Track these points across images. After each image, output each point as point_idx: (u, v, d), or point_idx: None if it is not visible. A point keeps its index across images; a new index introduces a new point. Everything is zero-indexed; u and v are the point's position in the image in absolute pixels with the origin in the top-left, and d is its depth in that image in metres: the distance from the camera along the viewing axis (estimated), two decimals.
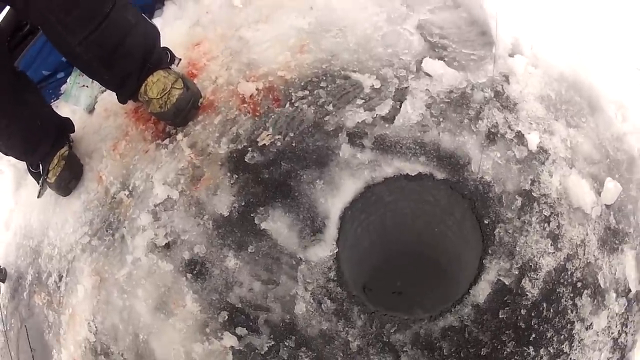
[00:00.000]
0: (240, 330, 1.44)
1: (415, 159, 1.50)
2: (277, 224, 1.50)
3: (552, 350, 1.40)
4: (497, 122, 1.53)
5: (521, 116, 1.55)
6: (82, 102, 2.06)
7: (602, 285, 1.45)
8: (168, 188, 1.68)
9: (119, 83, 1.77)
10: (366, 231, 1.53)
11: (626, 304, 1.45)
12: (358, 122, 1.58)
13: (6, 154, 1.90)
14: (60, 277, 1.81)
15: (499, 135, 1.52)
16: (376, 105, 1.59)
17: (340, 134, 1.58)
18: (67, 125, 1.97)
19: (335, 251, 1.44)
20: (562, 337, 1.40)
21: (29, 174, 1.98)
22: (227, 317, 1.47)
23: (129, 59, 1.72)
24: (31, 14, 1.57)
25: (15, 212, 2.11)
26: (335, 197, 1.49)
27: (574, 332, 1.41)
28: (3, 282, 2.00)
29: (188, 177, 1.68)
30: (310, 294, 1.42)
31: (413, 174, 1.48)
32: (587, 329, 1.42)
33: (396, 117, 1.56)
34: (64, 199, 1.91)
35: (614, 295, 1.44)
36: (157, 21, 2.06)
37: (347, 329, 1.39)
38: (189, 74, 1.89)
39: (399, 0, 1.82)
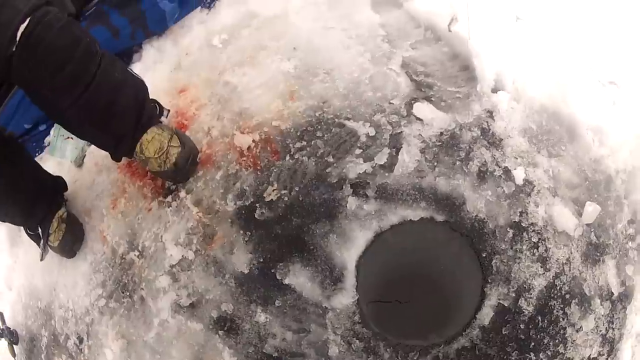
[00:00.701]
0: None
1: (416, 205, 1.64)
2: (299, 278, 1.62)
3: (549, 353, 1.63)
4: (485, 161, 1.67)
5: (507, 152, 1.68)
6: (68, 155, 1.97)
7: (587, 294, 1.66)
8: (182, 248, 1.72)
9: (114, 145, 1.71)
10: (377, 275, 1.69)
11: (610, 306, 1.69)
12: (359, 172, 1.67)
13: (4, 221, 1.83)
14: (81, 340, 1.84)
15: (488, 174, 1.67)
16: (374, 155, 1.68)
17: (344, 186, 1.67)
18: (59, 184, 1.89)
19: (356, 297, 1.60)
20: (557, 341, 1.64)
21: (26, 236, 1.91)
22: None
23: (122, 119, 1.65)
24: (14, 78, 1.44)
25: (15, 272, 2.04)
26: (350, 249, 1.62)
27: (566, 335, 1.64)
28: (16, 344, 1.98)
29: (200, 237, 1.73)
30: (340, 337, 1.58)
31: (416, 219, 1.63)
32: (577, 331, 1.65)
33: (395, 166, 1.67)
34: (68, 260, 1.89)
35: (599, 300, 1.67)
36: (136, 66, 1.96)
37: None
38: (179, 125, 1.86)
39: (380, 37, 1.87)
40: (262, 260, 1.66)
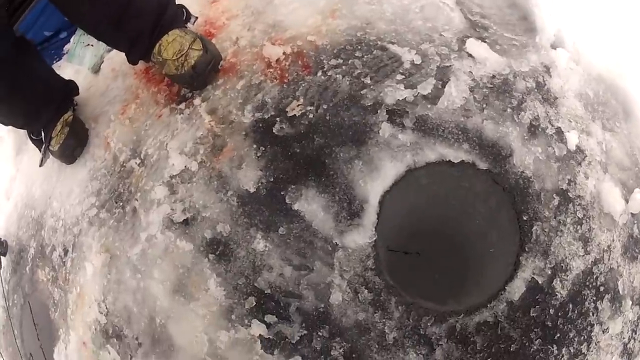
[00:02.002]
0: (270, 318, 1.29)
1: (458, 146, 1.33)
2: (311, 205, 1.33)
3: (572, 350, 1.35)
4: (538, 115, 1.39)
5: (561, 112, 1.42)
6: (86, 61, 1.81)
7: (620, 292, 1.40)
8: (185, 158, 1.48)
9: (130, 43, 1.53)
10: (403, 217, 1.38)
11: (639, 312, 1.40)
12: (398, 99, 1.39)
13: (6, 124, 1.68)
14: (66, 252, 1.63)
15: (540, 130, 1.38)
16: (418, 83, 1.40)
17: (379, 110, 1.39)
18: (70, 87, 1.73)
19: (374, 238, 1.29)
20: (582, 338, 1.35)
21: (32, 144, 1.75)
22: (254, 303, 1.31)
23: (141, 17, 1.49)
24: None
25: (16, 181, 1.89)
26: (375, 180, 1.32)
27: (592, 334, 1.36)
28: (4, 255, 1.80)
29: (208, 147, 1.48)
30: (347, 282, 1.27)
31: (456, 161, 1.32)
32: (603, 332, 1.38)
33: (440, 98, 1.37)
34: (68, 166, 1.70)
35: (630, 302, 1.40)
36: None
37: (384, 320, 1.25)
38: (206, 33, 1.64)
39: None
40: (272, 179, 1.38)
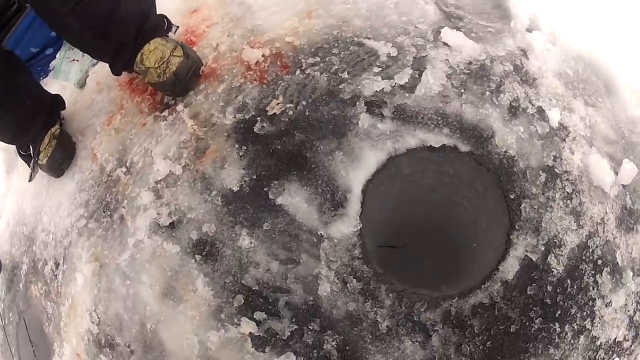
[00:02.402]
0: (259, 315, 1.27)
1: (438, 131, 1.33)
2: (295, 199, 1.32)
3: (575, 327, 1.31)
4: (518, 96, 1.39)
5: (541, 92, 1.42)
6: (72, 77, 1.84)
7: (619, 264, 1.37)
8: (170, 163, 1.48)
9: (113, 54, 1.55)
10: (387, 205, 1.37)
11: None
12: (376, 90, 1.40)
13: None
14: (57, 265, 1.62)
15: (520, 110, 1.38)
16: (394, 74, 1.41)
17: (357, 103, 1.39)
18: (57, 102, 1.75)
19: (359, 227, 1.28)
20: (585, 313, 1.32)
21: (19, 158, 1.77)
22: (243, 301, 1.29)
23: (124, 27, 1.51)
24: None
25: (7, 199, 1.89)
26: (357, 170, 1.31)
27: (595, 308, 1.33)
28: None
29: (191, 150, 1.48)
30: (335, 273, 1.25)
31: (437, 146, 1.32)
32: (606, 306, 1.34)
33: (417, 86, 1.38)
34: (56, 180, 1.70)
35: (631, 273, 1.36)
36: None
37: (375, 309, 1.23)
38: (187, 41, 1.66)
39: None
40: (255, 177, 1.38)
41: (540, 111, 1.41)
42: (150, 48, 1.54)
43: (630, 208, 1.42)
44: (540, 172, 1.34)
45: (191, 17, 1.74)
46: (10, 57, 1.64)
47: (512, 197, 1.31)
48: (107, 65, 1.63)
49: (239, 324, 1.28)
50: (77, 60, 1.84)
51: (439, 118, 1.37)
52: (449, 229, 1.37)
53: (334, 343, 1.24)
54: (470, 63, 1.45)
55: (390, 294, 1.23)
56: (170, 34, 1.65)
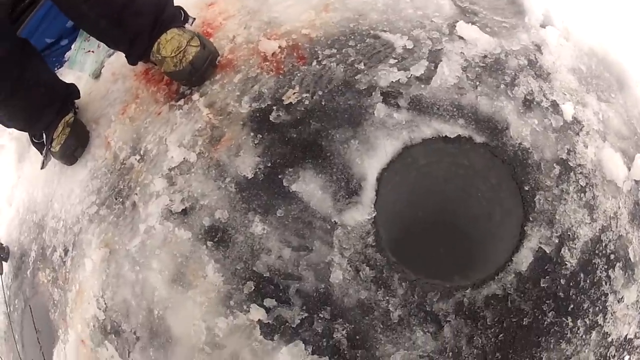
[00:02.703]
0: (269, 302, 1.25)
1: (453, 122, 1.33)
2: (309, 186, 1.31)
3: (587, 322, 1.30)
4: (532, 90, 1.40)
5: (555, 86, 1.43)
6: (87, 68, 1.86)
7: (632, 259, 1.36)
8: (184, 150, 1.48)
9: (129, 43, 1.57)
10: (402, 194, 1.36)
11: None
12: (392, 81, 1.40)
13: (8, 126, 1.71)
14: (66, 252, 1.61)
15: (535, 103, 1.39)
16: (410, 66, 1.42)
17: (373, 93, 1.40)
18: (72, 91, 1.76)
19: (373, 214, 1.26)
20: (597, 308, 1.30)
21: (32, 146, 1.78)
22: (253, 287, 1.27)
23: (140, 17, 1.53)
24: None
25: (17, 188, 1.90)
26: (372, 158, 1.31)
27: (607, 304, 1.32)
28: (5, 260, 1.79)
29: (206, 138, 1.48)
30: (347, 260, 1.24)
31: (452, 136, 1.31)
32: (619, 301, 1.33)
33: (433, 78, 1.39)
34: (69, 168, 1.71)
35: None
36: None
37: (387, 298, 1.21)
38: (204, 33, 1.68)
39: None
40: (270, 164, 1.38)
41: (555, 105, 1.41)
42: (167, 38, 1.56)
43: None
44: (555, 164, 1.33)
45: (208, 9, 1.76)
46: (25, 45, 1.66)
47: (526, 188, 1.30)
48: (123, 55, 1.65)
49: (248, 311, 1.26)
50: (93, 52, 1.87)
51: (455, 109, 1.37)
52: (463, 220, 1.36)
53: (344, 332, 1.21)
54: (485, 57, 1.46)
55: (403, 283, 1.21)
56: (187, 26, 1.67)
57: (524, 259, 1.24)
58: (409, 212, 1.34)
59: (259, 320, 1.25)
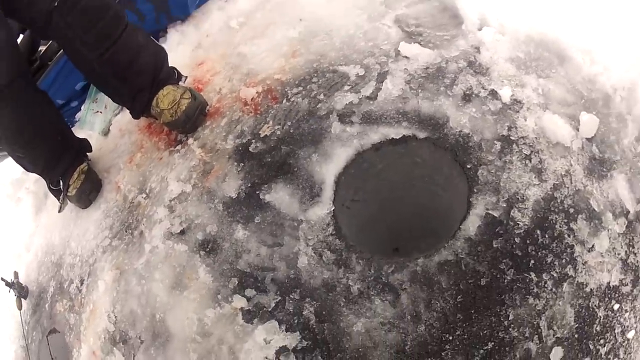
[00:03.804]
0: (249, 292, 1.82)
1: (398, 125, 1.96)
2: (279, 194, 1.94)
3: (555, 275, 1.68)
4: (471, 85, 2.01)
5: (493, 77, 2.02)
6: (97, 127, 2.64)
7: (596, 209, 1.76)
8: (182, 184, 2.17)
9: (132, 98, 2.33)
10: (358, 190, 1.94)
11: (626, 223, 1.75)
12: (346, 103, 2.08)
13: (29, 170, 2.44)
14: (82, 282, 2.25)
15: (473, 96, 1.99)
16: (361, 88, 2.10)
17: (331, 116, 2.07)
18: (85, 144, 2.52)
19: (332, 209, 1.85)
20: (564, 260, 1.69)
21: (50, 192, 2.51)
22: (237, 282, 1.86)
23: (142, 75, 2.28)
24: (50, 32, 2.14)
25: (35, 236, 2.62)
26: (330, 165, 1.95)
27: (575, 255, 1.70)
28: (25, 298, 2.43)
29: (200, 172, 2.17)
30: (312, 248, 1.81)
31: (397, 137, 1.91)
32: (589, 250, 1.71)
33: (378, 93, 2.03)
34: (84, 211, 2.41)
35: (611, 215, 1.75)
36: None
37: (347, 275, 1.74)
38: (196, 88, 2.46)
39: (378, 1, 2.40)
40: (250, 185, 2.03)
41: (493, 93, 1.97)
42: (164, 93, 2.31)
43: (600, 157, 1.85)
44: (495, 141, 1.86)
45: (198, 68, 2.55)
46: (45, 95, 2.38)
47: (468, 166, 1.84)
48: (128, 112, 2.39)
49: (232, 301, 1.82)
50: (101, 112, 2.65)
51: (399, 115, 2.00)
52: (413, 204, 1.88)
53: (312, 309, 1.74)
54: (427, 68, 2.10)
55: (360, 261, 1.75)
56: (180, 83, 2.43)
57: (471, 225, 1.74)
58: (365, 203, 1.90)
59: (241, 307, 1.80)
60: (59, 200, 2.46)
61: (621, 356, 1.73)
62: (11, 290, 2.45)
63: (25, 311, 2.48)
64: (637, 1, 2.10)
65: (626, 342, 1.73)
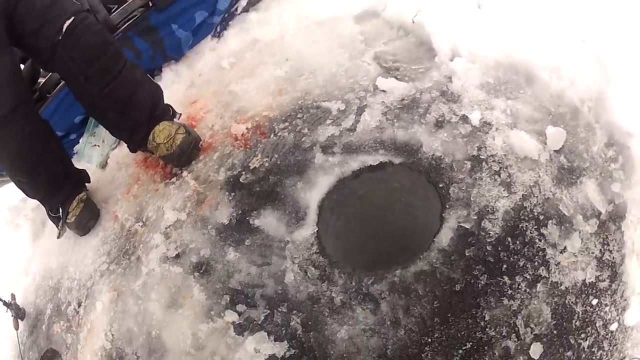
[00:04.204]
0: (240, 307, 2.09)
1: (376, 153, 2.28)
2: (268, 219, 2.25)
3: (528, 277, 1.91)
4: (443, 113, 2.33)
5: (464, 103, 2.34)
6: (94, 160, 2.96)
7: (566, 213, 2.00)
8: (177, 212, 2.47)
9: (130, 132, 2.63)
10: (340, 214, 2.27)
11: (598, 223, 1.97)
12: (328, 135, 2.41)
13: (30, 196, 2.71)
14: (80, 304, 2.51)
15: (445, 122, 2.30)
16: (342, 121, 2.44)
17: (314, 147, 2.41)
18: (84, 175, 2.80)
19: (315, 230, 2.16)
20: (536, 263, 1.92)
21: (49, 219, 2.77)
22: (229, 299, 2.13)
23: (139, 110, 2.59)
24: (54, 65, 2.40)
25: (33, 261, 2.88)
26: (314, 191, 2.25)
27: (547, 257, 1.93)
28: (22, 319, 2.69)
29: (194, 202, 2.48)
30: (297, 265, 2.10)
31: (375, 164, 2.26)
32: (561, 252, 1.93)
33: (357, 125, 2.39)
34: (82, 238, 2.69)
35: (581, 217, 1.98)
36: None
37: (330, 288, 2.03)
38: (190, 125, 2.79)
39: (358, 41, 2.80)
40: (240, 212, 2.33)
41: (464, 117, 2.29)
42: (160, 128, 2.61)
43: (569, 167, 2.06)
44: (466, 161, 2.16)
45: (191, 106, 2.90)
46: (47, 125, 2.63)
47: (441, 186, 2.13)
48: (126, 146, 2.73)
49: (224, 316, 2.10)
50: (98, 146, 2.97)
51: (377, 144, 2.31)
52: (390, 223, 2.20)
53: (298, 320, 2.02)
54: (402, 99, 2.44)
55: (342, 275, 2.04)
56: (175, 120, 2.77)
57: (444, 237, 2.01)
58: (347, 224, 2.23)
59: (232, 321, 2.08)
60: (57, 227, 2.73)
61: (606, 348, 1.84)
62: (8, 310, 2.71)
63: (22, 332, 2.70)
64: (598, 13, 2.38)
65: (609, 334, 1.85)
